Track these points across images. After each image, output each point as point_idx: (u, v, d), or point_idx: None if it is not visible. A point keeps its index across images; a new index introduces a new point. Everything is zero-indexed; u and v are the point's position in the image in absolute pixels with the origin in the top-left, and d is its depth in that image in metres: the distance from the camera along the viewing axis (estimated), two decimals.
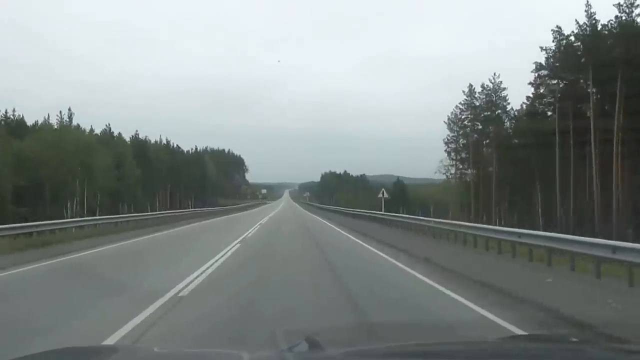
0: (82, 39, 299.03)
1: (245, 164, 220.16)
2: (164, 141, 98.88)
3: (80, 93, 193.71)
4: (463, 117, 61.71)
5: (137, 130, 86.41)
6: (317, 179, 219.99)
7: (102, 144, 65.58)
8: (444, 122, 63.24)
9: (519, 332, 5.88)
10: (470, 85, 60.78)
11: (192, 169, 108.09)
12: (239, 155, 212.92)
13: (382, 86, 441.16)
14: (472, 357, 2.25)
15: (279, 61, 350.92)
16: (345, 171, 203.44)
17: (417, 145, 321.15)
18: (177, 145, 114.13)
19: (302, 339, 2.14)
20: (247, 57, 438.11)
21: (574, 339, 2.82)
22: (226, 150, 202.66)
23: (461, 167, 63.62)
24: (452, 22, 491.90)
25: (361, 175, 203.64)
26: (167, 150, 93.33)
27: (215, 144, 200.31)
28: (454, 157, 63.31)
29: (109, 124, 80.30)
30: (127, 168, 69.14)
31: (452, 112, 62.23)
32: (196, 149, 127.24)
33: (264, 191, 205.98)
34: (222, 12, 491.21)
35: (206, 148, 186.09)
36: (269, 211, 63.75)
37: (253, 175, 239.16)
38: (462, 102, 61.23)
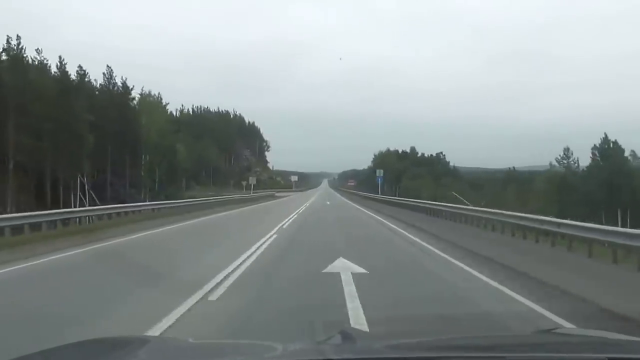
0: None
1: (265, 139, 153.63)
2: None
3: None
4: None
5: None
6: (360, 167, 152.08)
7: None
8: None
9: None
10: None
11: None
12: (253, 123, 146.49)
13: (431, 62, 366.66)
14: (513, 350, 2.06)
15: (340, 58, 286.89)
16: (413, 148, 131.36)
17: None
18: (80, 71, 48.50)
19: (337, 332, 2.10)
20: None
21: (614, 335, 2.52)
22: (232, 113, 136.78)
23: None
24: None
25: (437, 155, 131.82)
26: None
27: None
28: None
29: None
30: None
31: None
32: (125, 83, 58.55)
33: (294, 178, 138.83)
34: None
35: (200, 107, 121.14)
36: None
37: (282, 163, 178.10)
38: None
